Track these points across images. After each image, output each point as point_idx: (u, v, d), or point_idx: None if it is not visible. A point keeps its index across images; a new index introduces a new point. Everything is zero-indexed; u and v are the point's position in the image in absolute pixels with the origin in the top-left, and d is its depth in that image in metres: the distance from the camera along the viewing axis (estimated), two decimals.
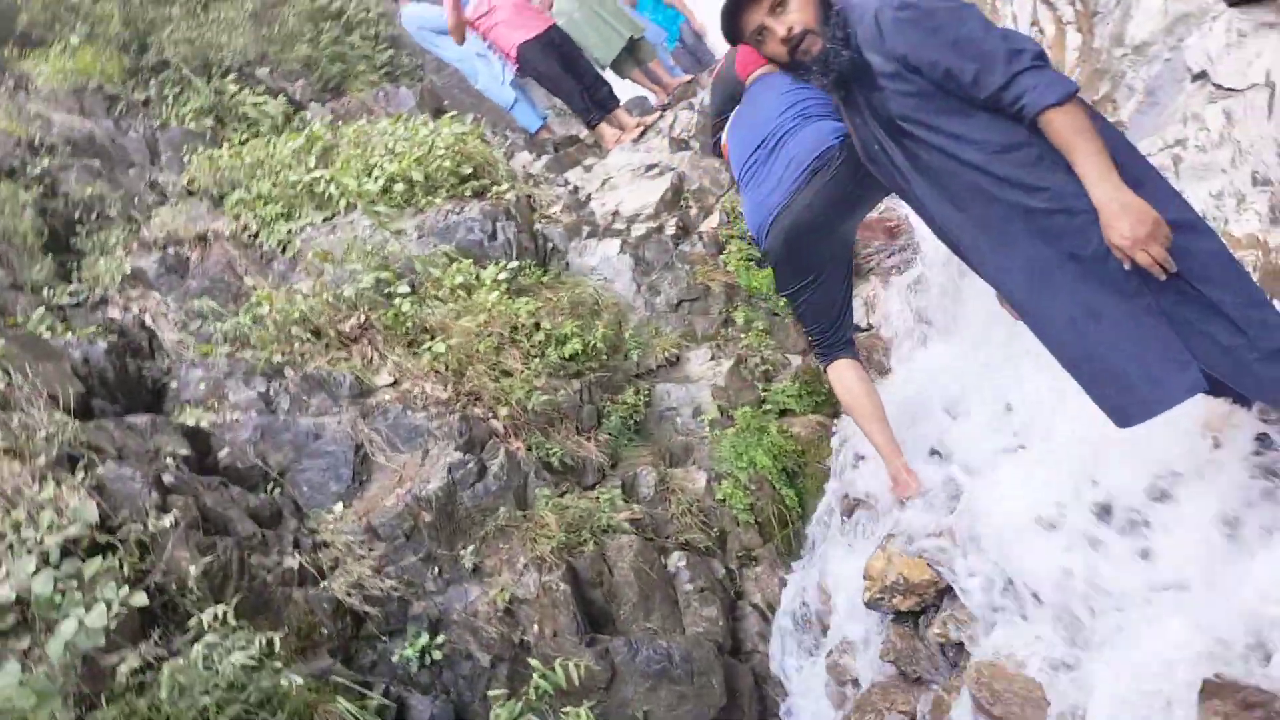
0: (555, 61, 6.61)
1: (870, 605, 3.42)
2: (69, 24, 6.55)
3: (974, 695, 2.92)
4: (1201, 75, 3.28)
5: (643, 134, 6.75)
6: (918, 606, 3.31)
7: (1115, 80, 3.60)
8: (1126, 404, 2.44)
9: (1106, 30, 3.78)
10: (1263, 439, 2.68)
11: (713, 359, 4.90)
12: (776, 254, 3.59)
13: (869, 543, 3.75)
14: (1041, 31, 4.32)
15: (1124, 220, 2.23)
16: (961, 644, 3.20)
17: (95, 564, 2.74)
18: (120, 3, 6.70)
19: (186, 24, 6.88)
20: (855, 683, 3.56)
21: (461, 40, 6.96)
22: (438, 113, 7.26)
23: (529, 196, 5.69)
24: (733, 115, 3.95)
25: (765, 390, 4.79)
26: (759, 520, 4.32)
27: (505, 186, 5.46)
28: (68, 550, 2.77)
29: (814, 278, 3.60)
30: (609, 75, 7.44)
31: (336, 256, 4.88)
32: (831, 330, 3.73)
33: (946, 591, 3.27)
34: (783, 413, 4.73)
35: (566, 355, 4.56)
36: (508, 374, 4.37)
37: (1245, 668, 2.36)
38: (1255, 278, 2.89)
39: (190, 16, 7.27)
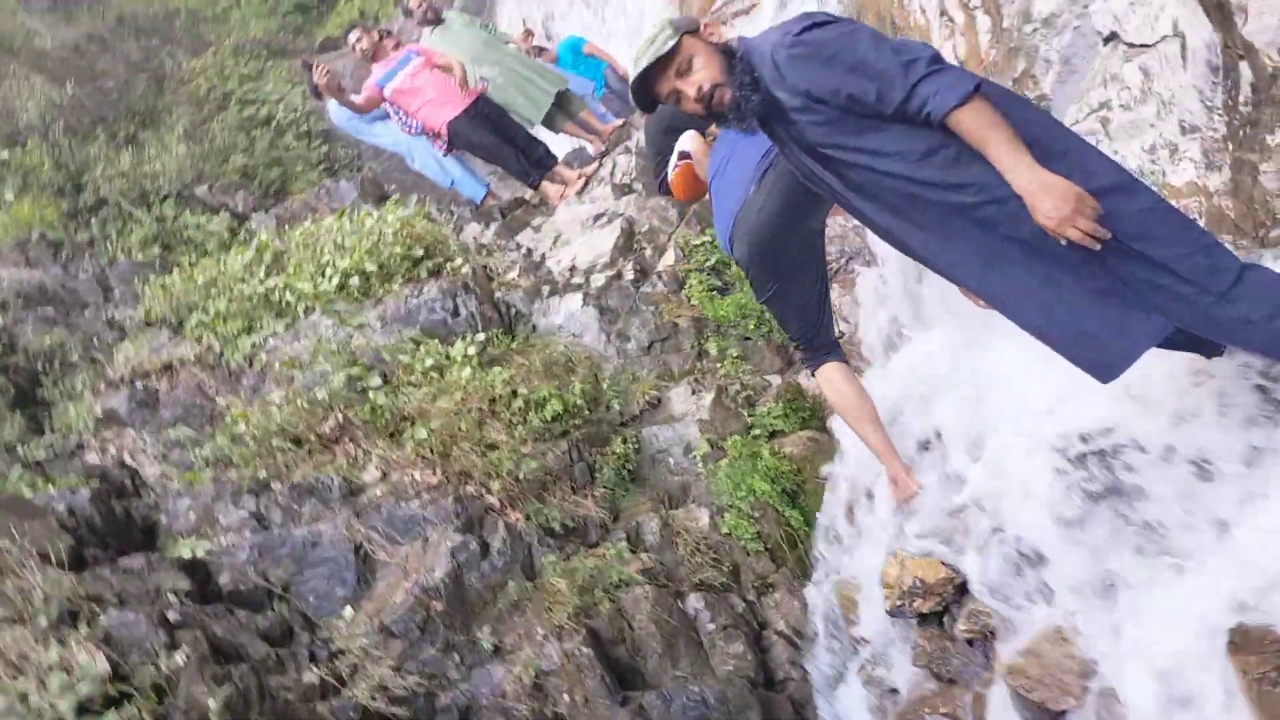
0: (487, 131, 6.66)
1: (893, 613, 3.41)
2: (1, 180, 6.56)
3: (1010, 685, 2.90)
4: (1113, 37, 3.34)
5: (586, 185, 6.80)
6: (940, 606, 3.30)
7: (1030, 55, 3.66)
8: (1103, 359, 2.50)
9: (1014, 8, 3.85)
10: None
11: (693, 394, 4.90)
12: (744, 260, 3.65)
13: (879, 548, 3.74)
14: (952, 19, 4.40)
15: (1046, 201, 2.28)
16: (990, 634, 3.19)
17: (111, 718, 2.70)
18: (48, 149, 6.71)
19: (117, 158, 6.89)
20: (894, 692, 3.54)
21: (370, 109, 6.98)
22: (381, 199, 7.30)
23: (484, 266, 5.71)
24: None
25: (751, 416, 4.79)
26: (768, 546, 4.30)
27: (459, 261, 5.48)
28: (84, 708, 2.73)
29: (786, 279, 3.63)
30: (544, 133, 7.51)
31: (304, 361, 4.87)
32: (814, 333, 3.75)
33: (965, 586, 3.26)
34: (772, 435, 4.73)
35: (549, 417, 4.54)
36: (493, 447, 4.36)
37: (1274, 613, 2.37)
38: (1200, 223, 2.93)
39: (120, 150, 7.30)
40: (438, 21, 7.41)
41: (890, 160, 2.46)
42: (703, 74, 2.59)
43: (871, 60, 2.34)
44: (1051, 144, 2.36)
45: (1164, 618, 2.60)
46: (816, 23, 2.43)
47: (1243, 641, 2.31)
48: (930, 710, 3.29)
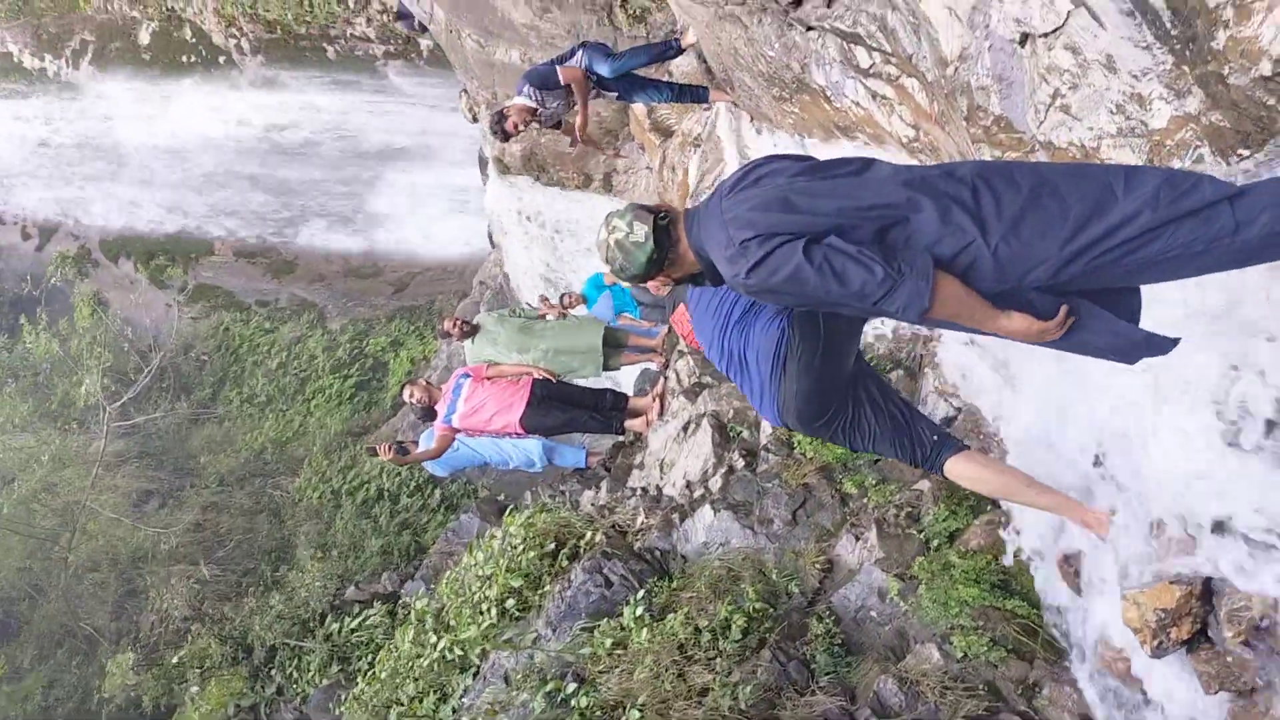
0: (556, 410, 6.88)
1: (1158, 655, 3.15)
2: (180, 680, 6.93)
3: None
4: (1025, 37, 3.38)
5: (664, 404, 6.92)
6: (1197, 625, 3.05)
7: (967, 91, 3.71)
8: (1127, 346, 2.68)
9: (929, 63, 3.94)
10: None
11: (858, 540, 4.77)
12: (811, 432, 3.71)
13: (1110, 598, 3.51)
14: (885, 97, 4.51)
15: (1023, 339, 2.60)
16: (1260, 622, 2.93)
17: None
18: (209, 629, 7.12)
19: (269, 605, 7.27)
20: None
21: (446, 446, 7.25)
22: (500, 513, 7.53)
23: (613, 525, 5.78)
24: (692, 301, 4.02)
25: (921, 531, 4.63)
26: (1010, 648, 4.05)
27: (589, 534, 5.55)
28: None
29: (854, 413, 3.61)
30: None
31: (502, 701, 4.90)
32: (918, 440, 3.68)
33: (1208, 592, 3.02)
34: (951, 537, 4.55)
35: (739, 635, 4.45)
36: (705, 691, 4.26)
37: None
38: (1204, 149, 2.87)
39: (268, 594, 7.71)
40: (474, 331, 7.85)
41: None
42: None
43: (824, 297, 2.55)
44: (1008, 255, 2.46)
45: None
46: (753, 263, 2.56)
47: None
48: None
